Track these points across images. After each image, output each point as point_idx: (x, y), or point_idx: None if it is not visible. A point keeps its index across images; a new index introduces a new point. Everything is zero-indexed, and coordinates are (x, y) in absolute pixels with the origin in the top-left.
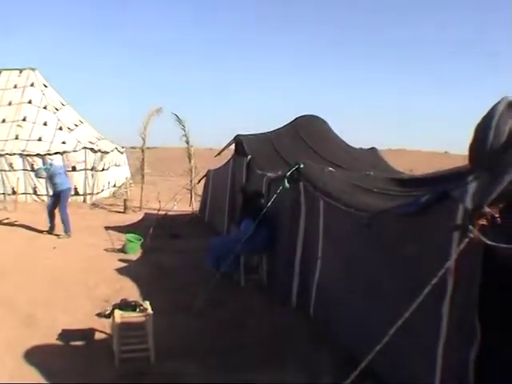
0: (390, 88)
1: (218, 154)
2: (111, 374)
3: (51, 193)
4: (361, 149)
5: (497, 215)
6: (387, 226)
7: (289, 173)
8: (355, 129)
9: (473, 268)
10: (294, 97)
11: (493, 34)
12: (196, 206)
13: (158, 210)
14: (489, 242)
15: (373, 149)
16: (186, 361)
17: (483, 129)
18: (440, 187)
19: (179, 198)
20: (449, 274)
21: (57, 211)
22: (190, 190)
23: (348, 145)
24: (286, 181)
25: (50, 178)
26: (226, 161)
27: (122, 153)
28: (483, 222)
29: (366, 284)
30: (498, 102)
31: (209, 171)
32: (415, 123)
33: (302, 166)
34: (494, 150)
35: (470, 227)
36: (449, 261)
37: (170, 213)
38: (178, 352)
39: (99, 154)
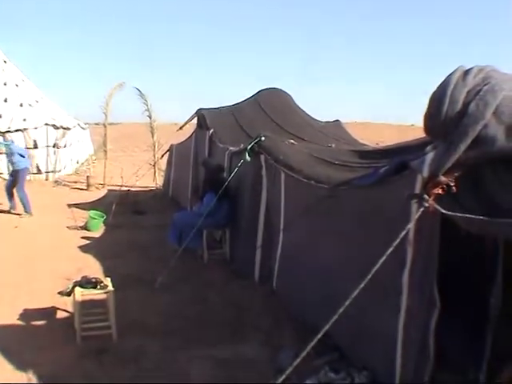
0: (356, 61)
1: (180, 128)
2: (73, 351)
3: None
4: (325, 122)
5: (452, 184)
6: (347, 198)
7: (249, 146)
8: (322, 103)
9: (431, 238)
10: (257, 72)
11: None
12: (160, 181)
13: (121, 186)
14: (444, 211)
15: (336, 121)
16: (148, 338)
17: (438, 97)
18: (399, 158)
19: (143, 174)
20: (408, 244)
21: (15, 190)
22: (154, 166)
23: (311, 118)
24: (246, 154)
25: (9, 156)
26: (188, 135)
27: (84, 129)
28: (438, 191)
29: (327, 256)
30: (454, 71)
31: (172, 146)
32: (382, 96)
33: (262, 138)
34: (449, 119)
35: (425, 196)
36: (404, 231)
37: (133, 189)
38: (140, 329)
39: (61, 130)
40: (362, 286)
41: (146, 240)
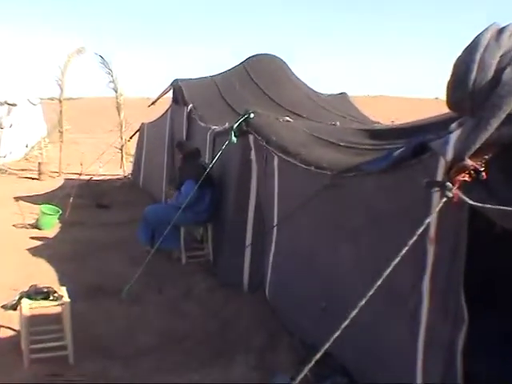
0: (367, 27)
1: (153, 103)
2: (19, 378)
3: None
4: (329, 95)
5: (482, 169)
6: (354, 187)
7: (236, 124)
8: (325, 74)
9: (456, 235)
10: (246, 37)
11: None
12: (128, 168)
13: (81, 175)
14: (471, 202)
15: (342, 94)
16: (112, 360)
17: (465, 63)
18: (418, 138)
19: (107, 160)
20: (428, 242)
21: None
22: (121, 149)
23: (312, 90)
24: (232, 134)
25: None
26: (162, 112)
27: (35, 105)
28: (465, 177)
29: (331, 257)
30: (485, 30)
31: (142, 125)
32: (398, 64)
33: (252, 115)
34: (479, 89)
35: (449, 184)
36: (422, 226)
37: (95, 178)
38: (102, 349)
39: (6, 106)
40: (370, 293)
41: (111, 240)
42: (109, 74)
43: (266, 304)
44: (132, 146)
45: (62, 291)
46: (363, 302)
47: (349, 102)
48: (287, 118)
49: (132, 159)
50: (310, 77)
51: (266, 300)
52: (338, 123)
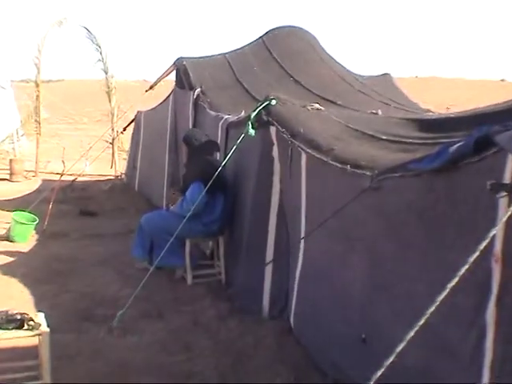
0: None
1: (151, 87)
2: None
3: None
4: (368, 77)
5: None
6: (400, 191)
7: (254, 113)
8: (363, 51)
9: None
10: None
11: None
12: (121, 167)
13: (63, 175)
14: None
15: (386, 76)
16: None
17: None
18: (480, 130)
19: (95, 156)
20: (493, 259)
21: None
22: (112, 144)
23: (347, 70)
24: (250, 125)
25: None
26: (163, 98)
27: (4, 89)
28: None
29: (371, 277)
30: None
31: (138, 114)
32: (454, 41)
33: (273, 102)
34: None
35: None
36: (486, 239)
37: (80, 178)
38: None
39: None
40: (420, 323)
41: (100, 255)
42: (97, 50)
43: (291, 335)
44: (126, 140)
45: (40, 318)
46: (412, 333)
47: (393, 86)
48: (317, 106)
49: (126, 156)
50: (344, 54)
51: (291, 330)
52: (379, 111)
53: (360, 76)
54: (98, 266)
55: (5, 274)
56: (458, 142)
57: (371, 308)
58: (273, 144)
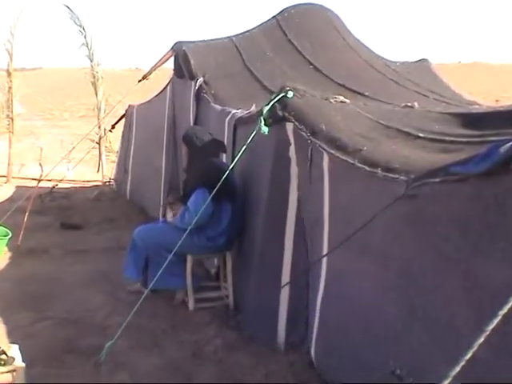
0: None
1: (145, 77)
2: None
3: None
4: (402, 63)
5: None
6: (442, 198)
7: (268, 107)
8: (396, 33)
9: None
10: None
11: None
12: (110, 171)
13: (40, 181)
14: None
15: (423, 62)
16: None
17: None
18: None
19: (79, 158)
20: None
21: None
22: (98, 144)
23: (376, 55)
24: (262, 122)
25: None
26: (159, 90)
27: None
28: None
29: (408, 301)
30: None
31: (130, 108)
32: (504, 21)
33: (290, 94)
34: None
35: None
36: None
37: (61, 185)
38: None
39: None
40: (467, 357)
41: (85, 276)
42: (81, 33)
43: (311, 369)
44: (115, 139)
45: (14, 351)
46: (456, 369)
47: (432, 73)
48: (342, 98)
49: (115, 158)
50: (373, 37)
51: (311, 363)
52: (416, 104)
53: (392, 62)
54: (82, 289)
55: None
56: (511, 140)
57: (407, 337)
58: (289, 144)
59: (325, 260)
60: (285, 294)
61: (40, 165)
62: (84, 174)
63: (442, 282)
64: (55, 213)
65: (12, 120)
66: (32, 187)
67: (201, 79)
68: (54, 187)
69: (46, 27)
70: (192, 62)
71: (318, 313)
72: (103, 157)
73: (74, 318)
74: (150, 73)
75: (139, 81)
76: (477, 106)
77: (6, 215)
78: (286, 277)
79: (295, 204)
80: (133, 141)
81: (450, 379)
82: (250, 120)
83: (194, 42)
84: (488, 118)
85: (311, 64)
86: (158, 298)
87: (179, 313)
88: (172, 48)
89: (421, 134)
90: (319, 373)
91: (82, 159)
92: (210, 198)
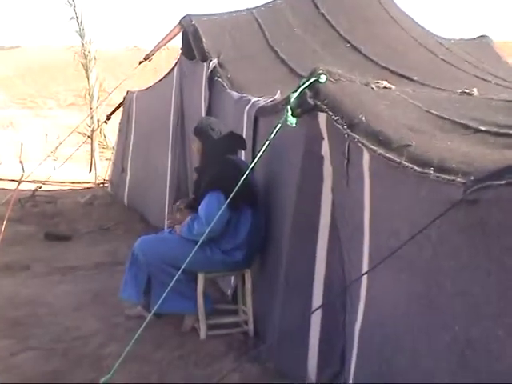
0: None
1: (147, 57)
2: None
3: None
4: (458, 41)
5: None
6: (508, 204)
7: (296, 94)
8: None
9: None
10: None
11: None
12: (104, 170)
13: (21, 182)
14: None
15: (483, 39)
16: None
17: None
18: None
19: (67, 156)
20: None
21: None
22: (91, 138)
23: (427, 32)
24: (289, 112)
25: None
26: (164, 72)
27: None
28: None
29: (467, 329)
30: None
31: (129, 96)
32: None
33: (323, 78)
34: None
35: None
36: None
37: (46, 187)
38: None
39: None
40: None
41: (75, 297)
42: (69, 4)
43: None
44: (111, 133)
45: None
46: None
47: (494, 53)
48: (385, 83)
49: (111, 155)
50: (423, 11)
51: None
52: (475, 91)
53: (446, 40)
54: (71, 313)
55: None
56: None
57: (463, 373)
58: (322, 138)
59: (365, 278)
60: (316, 319)
61: (20, 163)
62: (73, 175)
63: (507, 306)
64: (38, 221)
65: None
66: (11, 190)
67: (215, 61)
68: (37, 190)
69: None
70: (204, 39)
71: (357, 341)
72: (96, 154)
73: (62, 347)
74: (152, 53)
75: (140, 62)
76: None
77: None
78: (317, 298)
79: (329, 211)
80: (132, 134)
81: None
82: (274, 110)
83: (206, 15)
84: None
85: (348, 42)
86: (162, 324)
87: (188, 342)
88: (179, 23)
89: (482, 127)
90: None
91: (70, 156)
92: (226, 203)
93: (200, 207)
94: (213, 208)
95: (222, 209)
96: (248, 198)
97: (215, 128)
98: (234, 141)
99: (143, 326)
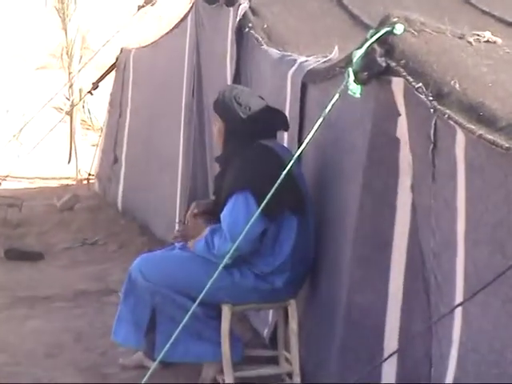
0: None
1: (148, 1)
2: None
3: None
4: None
5: None
6: None
7: (361, 51)
8: None
9: None
10: None
11: None
12: (89, 160)
13: None
14: None
15: None
16: None
17: None
18: None
19: (38, 139)
20: None
21: None
22: (70, 115)
23: None
24: (351, 76)
25: None
26: (174, 22)
27: None
28: None
29: None
30: None
31: (124, 55)
32: None
33: (399, 29)
34: None
35: None
36: None
37: (7, 183)
38: None
39: None
40: None
41: (48, 340)
42: None
43: None
44: (98, 108)
45: None
46: None
47: None
48: (489, 36)
49: (99, 139)
50: None
51: None
52: None
53: None
54: (43, 360)
55: None
56: None
57: None
58: (397, 114)
59: (460, 310)
60: (390, 370)
61: None
62: (46, 167)
63: None
64: None
65: None
66: None
67: (245, 4)
68: None
69: None
70: None
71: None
72: (78, 137)
73: None
74: None
75: (139, 7)
76: None
77: None
78: (391, 341)
79: (407, 217)
80: (128, 110)
81: None
82: (330, 74)
83: None
84: None
85: None
86: (172, 377)
87: None
88: None
89: None
90: None
91: (41, 141)
92: (260, 209)
93: (222, 215)
94: (239, 216)
95: (254, 218)
96: (292, 202)
97: (243, 102)
98: (271, 119)
99: (145, 379)
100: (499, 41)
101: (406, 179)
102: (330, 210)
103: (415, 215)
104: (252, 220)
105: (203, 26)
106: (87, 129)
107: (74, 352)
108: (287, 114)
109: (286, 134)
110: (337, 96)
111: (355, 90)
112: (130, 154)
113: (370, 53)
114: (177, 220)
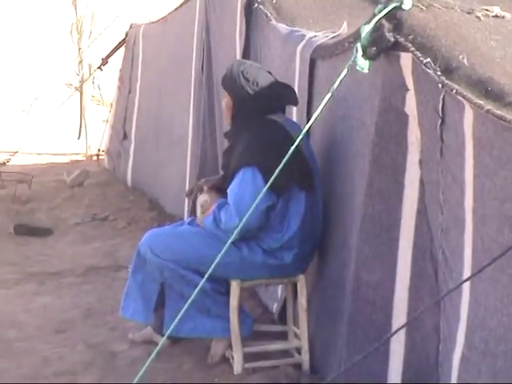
0: None
1: None
2: None
3: None
4: None
5: None
6: None
7: (370, 26)
8: None
9: None
10: None
11: None
12: (99, 137)
13: None
14: None
15: None
16: None
17: None
18: None
19: (47, 116)
20: None
21: None
22: (80, 91)
23: None
24: (359, 51)
25: None
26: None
27: None
28: None
29: None
30: None
31: (133, 31)
32: None
33: (407, 3)
34: None
35: None
36: None
37: (16, 159)
38: None
39: None
40: None
41: (57, 315)
42: None
43: None
44: (108, 84)
45: None
46: None
47: None
48: (497, 11)
49: (109, 115)
50: None
51: None
52: None
53: None
54: (52, 336)
55: None
56: None
57: None
58: (406, 89)
59: (468, 285)
60: (398, 347)
61: None
62: (55, 142)
63: None
64: (6, 208)
65: None
66: None
67: None
68: (4, 164)
69: None
70: None
71: (457, 376)
72: (87, 113)
73: None
74: None
75: None
76: None
77: None
78: (400, 316)
79: (416, 193)
80: (138, 86)
81: None
82: (339, 50)
83: None
84: None
85: None
86: (181, 353)
87: (219, 377)
88: None
89: None
90: None
91: (51, 116)
92: (269, 184)
93: (229, 190)
94: (245, 191)
95: (262, 193)
96: (300, 178)
97: (250, 77)
98: (280, 94)
99: (153, 355)
100: (508, 16)
101: (413, 155)
102: (339, 185)
103: (424, 191)
104: (260, 195)
105: (212, 1)
106: (97, 104)
107: (83, 328)
108: (296, 89)
109: (294, 110)
110: (345, 71)
111: (363, 65)
112: (140, 130)
113: (378, 28)
114: (186, 194)
